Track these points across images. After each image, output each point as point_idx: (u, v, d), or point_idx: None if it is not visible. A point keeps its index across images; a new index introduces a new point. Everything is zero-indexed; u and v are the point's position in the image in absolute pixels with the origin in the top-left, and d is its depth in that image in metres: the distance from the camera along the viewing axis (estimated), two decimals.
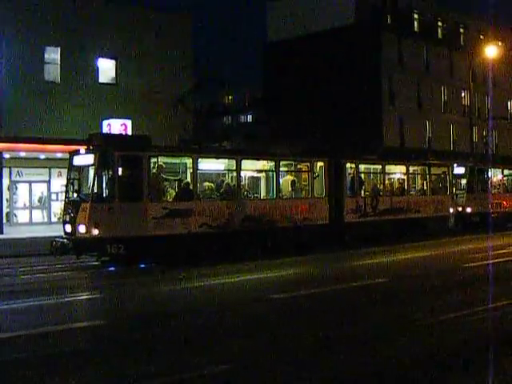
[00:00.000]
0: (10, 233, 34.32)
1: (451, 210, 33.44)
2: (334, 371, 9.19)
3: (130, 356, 10.13)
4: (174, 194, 23.36)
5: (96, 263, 22.53)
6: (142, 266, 22.32)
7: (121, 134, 29.16)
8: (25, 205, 37.82)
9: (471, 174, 36.43)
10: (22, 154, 35.50)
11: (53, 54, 38.64)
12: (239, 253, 23.89)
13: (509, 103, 68.43)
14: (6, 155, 35.52)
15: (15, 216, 37.40)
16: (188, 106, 27.23)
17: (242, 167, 24.69)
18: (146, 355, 10.07)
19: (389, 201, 29.52)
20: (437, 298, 14.84)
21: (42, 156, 35.77)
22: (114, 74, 41.11)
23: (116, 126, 36.50)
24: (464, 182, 36.76)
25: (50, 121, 36.54)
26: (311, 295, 15.71)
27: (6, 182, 36.35)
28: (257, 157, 26.13)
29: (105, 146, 21.91)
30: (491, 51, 47.53)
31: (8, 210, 36.78)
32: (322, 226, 26.75)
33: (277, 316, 13.26)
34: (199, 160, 23.53)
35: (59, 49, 38.62)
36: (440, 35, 62.93)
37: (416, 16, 60.48)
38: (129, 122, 36.80)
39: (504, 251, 25.31)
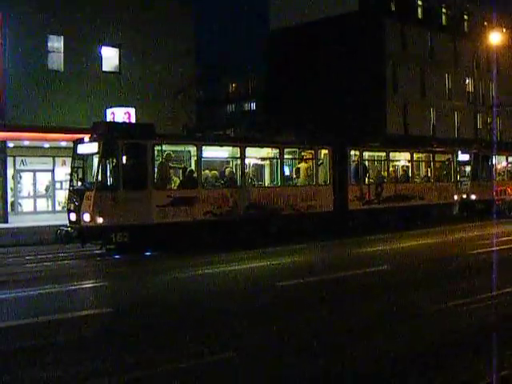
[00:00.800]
0: (14, 222, 34.31)
1: (455, 198, 33.39)
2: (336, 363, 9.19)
3: (133, 344, 10.19)
4: (179, 181, 23.34)
5: (101, 251, 22.53)
6: (148, 253, 22.26)
7: (125, 122, 29.16)
8: (29, 194, 37.80)
9: (475, 160, 36.34)
10: (26, 143, 35.47)
11: (56, 43, 38.33)
12: (243, 240, 23.90)
13: None
14: (10, 144, 35.48)
15: (20, 205, 37.38)
16: (191, 94, 27.13)
17: (246, 155, 24.70)
18: (148, 343, 10.13)
19: (393, 188, 29.50)
20: (440, 286, 14.90)
21: (46, 145, 35.73)
22: (117, 63, 40.90)
23: (120, 114, 36.39)
24: (468, 169, 36.64)
25: (53, 109, 36.39)
26: (314, 283, 15.77)
27: (10, 171, 36.30)
28: (261, 144, 26.12)
29: (109, 134, 21.94)
30: (495, 38, 47.36)
31: (13, 199, 36.74)
32: (326, 214, 26.77)
33: (280, 303, 13.29)
34: (203, 148, 23.52)
35: (62, 37, 38.26)
36: (444, 22, 62.69)
37: (420, 3, 60.15)
38: (132, 111, 36.66)
39: (509, 238, 25.30)
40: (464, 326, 11.02)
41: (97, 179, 21.63)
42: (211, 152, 24.56)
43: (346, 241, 25.78)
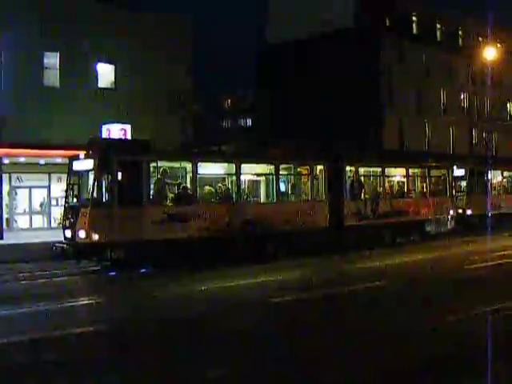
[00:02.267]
0: (9, 238, 34.21)
1: (451, 212, 33.42)
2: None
3: (130, 360, 10.23)
4: (174, 198, 23.37)
5: (96, 268, 22.52)
6: (143, 270, 22.25)
7: (120, 139, 29.23)
8: (25, 210, 37.84)
9: (471, 175, 36.51)
10: (22, 160, 35.44)
11: (52, 60, 38.45)
12: (239, 257, 23.91)
13: (508, 105, 68.42)
14: (6, 161, 35.45)
15: (15, 221, 37.41)
16: (187, 110, 27.27)
17: (242, 171, 24.74)
18: (144, 359, 10.18)
19: (389, 203, 29.56)
20: (434, 302, 14.97)
21: (42, 161, 35.73)
22: (113, 79, 41.02)
23: (115, 130, 36.45)
24: (464, 183, 36.77)
25: (49, 126, 36.37)
26: (309, 299, 15.79)
27: (5, 187, 36.28)
28: (256, 160, 26.17)
29: (104, 151, 21.90)
30: (490, 53, 47.46)
31: (8, 215, 36.73)
32: (322, 230, 26.78)
33: (275, 320, 13.36)
34: (199, 164, 23.55)
35: (58, 54, 38.40)
36: (439, 37, 63.00)
37: (415, 18, 60.46)
38: (128, 127, 36.71)
39: (504, 253, 25.33)
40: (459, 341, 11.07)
41: (92, 196, 21.60)
42: (207, 168, 24.59)
43: (342, 257, 25.79)
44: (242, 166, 24.73)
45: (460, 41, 64.73)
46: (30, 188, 37.75)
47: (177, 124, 36.27)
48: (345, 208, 27.82)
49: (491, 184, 37.98)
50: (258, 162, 26.14)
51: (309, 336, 11.69)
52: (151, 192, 22.54)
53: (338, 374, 9.42)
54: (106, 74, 40.85)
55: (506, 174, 40.06)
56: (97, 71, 40.27)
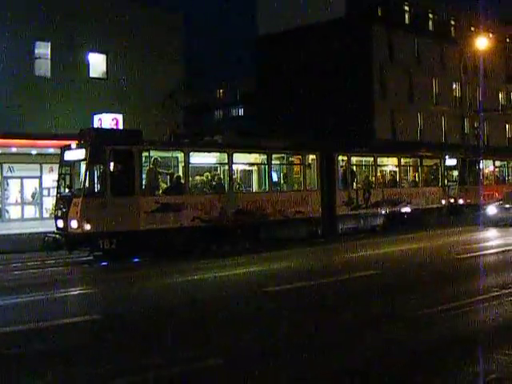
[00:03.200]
0: (2, 229, 34.03)
1: (443, 202, 33.45)
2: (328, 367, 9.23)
3: (120, 350, 10.16)
4: (166, 187, 23.30)
5: (88, 258, 22.40)
6: (135, 260, 22.16)
7: (112, 129, 29.08)
8: (17, 201, 37.58)
9: (463, 165, 36.51)
10: (13, 150, 35.17)
11: (43, 49, 38.19)
12: (232, 246, 23.87)
13: (500, 95, 68.43)
14: None
15: (7, 212, 37.15)
16: (178, 100, 27.16)
17: (234, 160, 24.68)
18: (135, 349, 10.12)
19: (381, 193, 29.54)
20: (427, 290, 14.93)
21: (34, 151, 35.47)
22: (104, 69, 40.81)
23: (107, 120, 36.22)
24: (456, 173, 36.74)
25: (40, 116, 36.21)
26: (303, 288, 15.72)
27: None
28: (249, 150, 26.09)
29: (96, 141, 21.80)
30: (482, 43, 47.49)
31: (0, 205, 36.51)
32: (315, 219, 26.77)
33: (269, 309, 13.25)
34: (191, 154, 23.48)
35: (49, 43, 38.14)
36: (431, 27, 62.86)
37: (407, 8, 60.29)
38: (120, 117, 36.50)
39: (495, 243, 25.46)
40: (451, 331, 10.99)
41: (84, 186, 21.49)
42: (199, 158, 24.53)
43: (334, 246, 25.74)
44: (235, 155, 24.64)
45: (452, 30, 64.59)
46: (22, 178, 37.47)
47: (168, 114, 36.01)
48: (337, 197, 27.81)
49: (483, 174, 37.96)
50: (250, 152, 26.07)
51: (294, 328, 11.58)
52: (143, 182, 22.37)
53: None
54: (97, 63, 40.55)
55: (497, 163, 40.00)
56: (88, 61, 39.92)
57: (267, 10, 60.77)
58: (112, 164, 21.79)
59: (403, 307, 12.98)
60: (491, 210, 30.94)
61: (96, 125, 35.86)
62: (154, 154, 23.08)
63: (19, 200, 37.57)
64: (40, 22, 37.04)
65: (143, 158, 22.44)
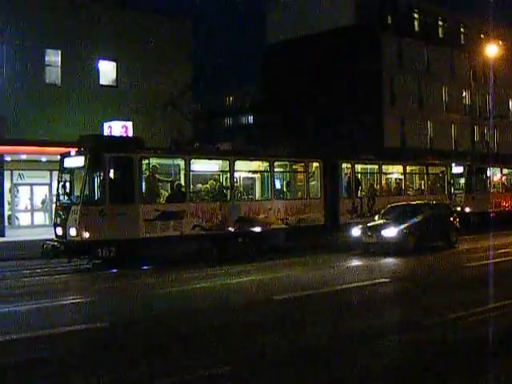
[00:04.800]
0: (11, 235, 33.71)
1: None
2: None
3: (126, 358, 9.96)
4: (167, 195, 22.71)
5: (89, 266, 21.81)
6: (136, 268, 21.48)
7: (112, 136, 28.46)
8: (26, 207, 37.25)
9: (470, 173, 35.46)
10: (24, 157, 34.93)
11: (53, 57, 37.86)
12: (233, 255, 23.21)
13: (510, 102, 67.22)
14: (8, 158, 34.97)
15: (17, 219, 36.84)
16: (178, 106, 26.59)
17: (236, 168, 24.02)
18: (142, 357, 9.90)
19: (386, 201, 28.66)
20: (435, 298, 14.70)
21: (44, 158, 35.18)
22: (114, 76, 40.40)
23: (117, 128, 35.77)
24: (463, 181, 35.71)
25: (51, 123, 35.85)
26: (306, 297, 15.33)
27: (7, 184, 35.79)
28: (251, 158, 25.41)
29: (95, 148, 21.39)
30: (492, 50, 46.53)
31: (10, 212, 36.20)
32: (318, 227, 26.00)
33: (274, 318, 12.97)
34: (192, 161, 22.89)
35: (60, 51, 37.80)
36: (441, 34, 61.96)
37: (416, 16, 59.44)
38: (130, 124, 36.05)
39: (503, 251, 24.69)
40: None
41: (83, 193, 21.08)
42: (200, 165, 23.92)
43: (338, 254, 24.87)
44: (236, 163, 24.00)
45: (462, 38, 63.61)
46: (32, 185, 37.19)
47: (178, 122, 35.64)
48: (341, 205, 27.05)
49: (490, 181, 36.96)
50: (252, 159, 25.39)
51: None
52: (143, 189, 21.78)
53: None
54: (107, 71, 40.16)
55: (505, 171, 38.93)
56: (98, 69, 39.54)
57: (277, 18, 60.09)
58: (111, 171, 21.39)
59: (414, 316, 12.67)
60: (355, 231, 24.90)
61: (106, 132, 35.43)
62: (155, 161, 22.58)
63: (29, 207, 37.31)
64: (50, 29, 36.79)
65: (143, 166, 21.95)
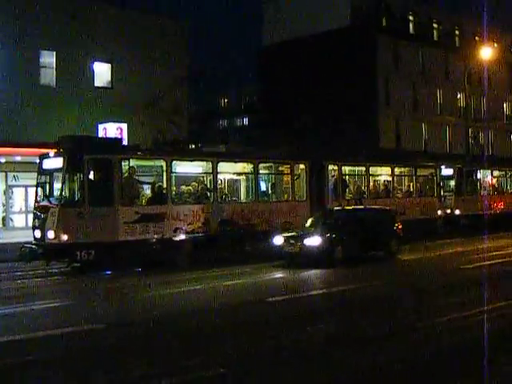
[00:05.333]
0: (6, 237, 32.73)
1: (439, 213, 31.36)
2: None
3: (121, 360, 9.69)
4: (148, 197, 21.70)
5: (66, 269, 20.95)
6: (116, 271, 20.48)
7: (91, 137, 27.26)
8: (21, 209, 36.34)
9: (460, 175, 34.15)
10: (18, 159, 33.99)
11: (48, 58, 37.01)
12: (216, 257, 22.17)
13: (504, 104, 65.89)
14: (2, 159, 34.06)
15: (11, 220, 35.93)
16: (161, 107, 25.58)
17: (219, 170, 22.96)
18: (136, 359, 9.69)
19: (374, 203, 27.46)
20: (433, 300, 14.42)
21: (38, 160, 34.08)
22: (109, 78, 39.49)
23: (112, 130, 34.83)
24: (452, 183, 34.39)
25: (45, 125, 34.98)
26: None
27: (2, 186, 35.00)
28: (234, 159, 24.32)
29: (74, 149, 20.57)
30: (486, 53, 45.34)
31: (4, 214, 35.38)
32: None
33: (264, 320, 12.47)
34: (173, 163, 21.87)
35: (55, 53, 36.94)
36: (435, 37, 60.65)
37: (411, 18, 58.15)
38: (124, 126, 35.11)
39: (494, 253, 23.65)
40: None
41: (61, 195, 20.29)
42: (182, 167, 22.91)
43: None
44: (220, 164, 22.93)
45: (456, 40, 62.28)
46: (26, 187, 36.13)
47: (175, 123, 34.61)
48: (328, 207, 25.83)
49: (481, 184, 35.71)
50: (235, 161, 24.33)
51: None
52: (123, 191, 20.75)
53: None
54: (102, 73, 39.27)
55: (496, 173, 37.62)
56: (93, 70, 38.67)
57: (273, 19, 58.84)
58: (90, 173, 20.56)
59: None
60: (278, 239, 21.48)
61: (101, 134, 34.52)
62: (135, 162, 21.63)
63: (23, 208, 36.34)
64: (45, 31, 35.94)
65: (123, 167, 20.91)
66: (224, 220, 22.75)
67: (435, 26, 59.94)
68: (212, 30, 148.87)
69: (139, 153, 22.21)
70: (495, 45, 53.90)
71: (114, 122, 35.52)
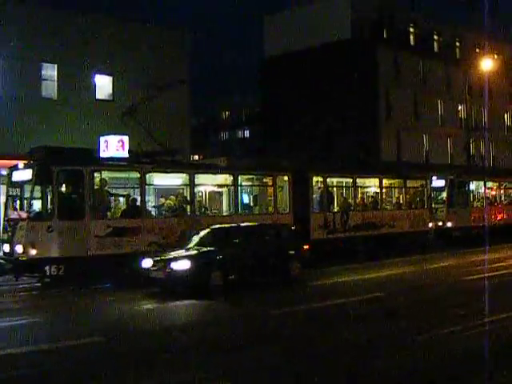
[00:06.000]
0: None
1: (430, 225, 29.20)
2: None
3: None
4: (121, 210, 19.98)
5: (37, 284, 19.38)
6: (90, 287, 18.88)
7: (63, 147, 25.43)
8: None
9: (452, 186, 31.83)
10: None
11: (50, 71, 35.40)
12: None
13: (505, 116, 63.35)
14: (3, 172, 32.39)
15: None
16: (137, 116, 23.86)
17: (196, 182, 21.15)
18: (130, 372, 9.22)
19: (360, 216, 25.45)
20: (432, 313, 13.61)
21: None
22: (110, 90, 37.89)
23: (113, 142, 33.06)
24: (444, 195, 32.01)
25: (47, 137, 33.30)
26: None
27: (2, 198, 33.33)
28: (212, 171, 22.46)
29: (43, 160, 19.08)
30: (487, 64, 43.15)
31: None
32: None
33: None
34: (148, 175, 20.14)
35: (56, 65, 35.30)
36: (436, 48, 58.32)
37: (412, 29, 55.97)
38: (126, 138, 33.39)
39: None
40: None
41: (30, 208, 18.79)
42: (157, 179, 21.24)
43: (309, 272, 21.75)
44: (197, 176, 21.14)
45: (457, 52, 59.97)
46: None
47: (176, 136, 33.09)
48: (312, 220, 23.87)
49: (474, 195, 33.41)
50: (214, 173, 22.48)
51: None
52: (94, 204, 19.02)
53: None
54: (104, 85, 37.70)
55: (489, 184, 35.13)
56: (95, 83, 37.08)
57: (274, 31, 56.87)
58: (60, 185, 19.02)
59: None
60: (146, 262, 17.50)
61: (102, 146, 32.92)
62: (108, 174, 19.95)
63: None
64: (47, 43, 34.48)
65: (95, 179, 19.14)
66: None
67: (436, 37, 57.65)
68: (213, 41, 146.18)
69: (112, 164, 20.45)
70: (496, 56, 51.54)
71: (115, 134, 33.88)
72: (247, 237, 18.64)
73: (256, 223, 20.37)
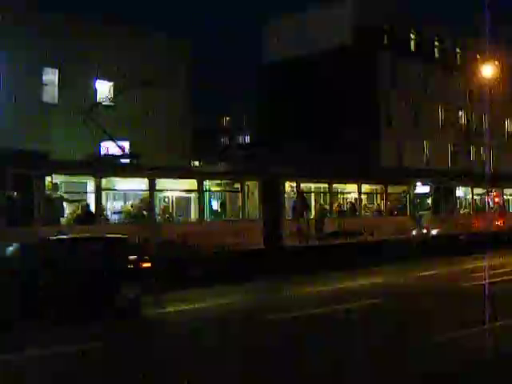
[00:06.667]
0: None
1: (414, 232, 26.32)
2: None
3: None
4: (74, 217, 17.60)
5: None
6: None
7: (17, 150, 23.18)
8: None
9: (437, 193, 28.81)
10: None
11: (51, 76, 33.89)
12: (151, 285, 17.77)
13: (506, 122, 60.34)
14: None
15: None
16: (95, 119, 21.60)
17: (157, 187, 18.67)
18: None
19: (336, 223, 22.70)
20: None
21: None
22: (111, 96, 35.96)
23: (114, 147, 31.17)
24: (429, 201, 28.95)
25: (47, 142, 31.52)
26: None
27: None
28: (174, 176, 19.95)
29: None
30: (488, 71, 40.28)
31: None
32: (256, 251, 20.25)
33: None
34: (104, 179, 17.74)
35: (57, 70, 33.77)
36: (437, 55, 55.47)
37: (412, 36, 53.42)
38: (127, 144, 31.70)
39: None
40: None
41: None
42: (114, 184, 18.91)
43: (282, 280, 19.76)
44: (158, 181, 18.68)
45: (458, 58, 57.20)
46: None
47: (177, 140, 31.18)
48: (284, 228, 21.23)
49: (460, 202, 30.33)
50: (177, 178, 19.96)
51: None
52: (44, 210, 16.73)
53: None
54: (104, 90, 35.90)
55: (477, 190, 31.83)
56: (96, 88, 35.25)
57: (273, 38, 54.52)
58: (9, 189, 16.78)
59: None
60: None
61: (103, 152, 31.20)
62: (61, 179, 17.55)
63: None
64: (48, 48, 32.67)
65: (46, 184, 16.82)
66: (164, 241, 18.38)
67: (436, 43, 55.00)
68: (213, 47, 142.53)
69: (65, 168, 18.10)
70: (496, 62, 48.42)
71: (116, 139, 31.99)
72: (61, 254, 13.61)
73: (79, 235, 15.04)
